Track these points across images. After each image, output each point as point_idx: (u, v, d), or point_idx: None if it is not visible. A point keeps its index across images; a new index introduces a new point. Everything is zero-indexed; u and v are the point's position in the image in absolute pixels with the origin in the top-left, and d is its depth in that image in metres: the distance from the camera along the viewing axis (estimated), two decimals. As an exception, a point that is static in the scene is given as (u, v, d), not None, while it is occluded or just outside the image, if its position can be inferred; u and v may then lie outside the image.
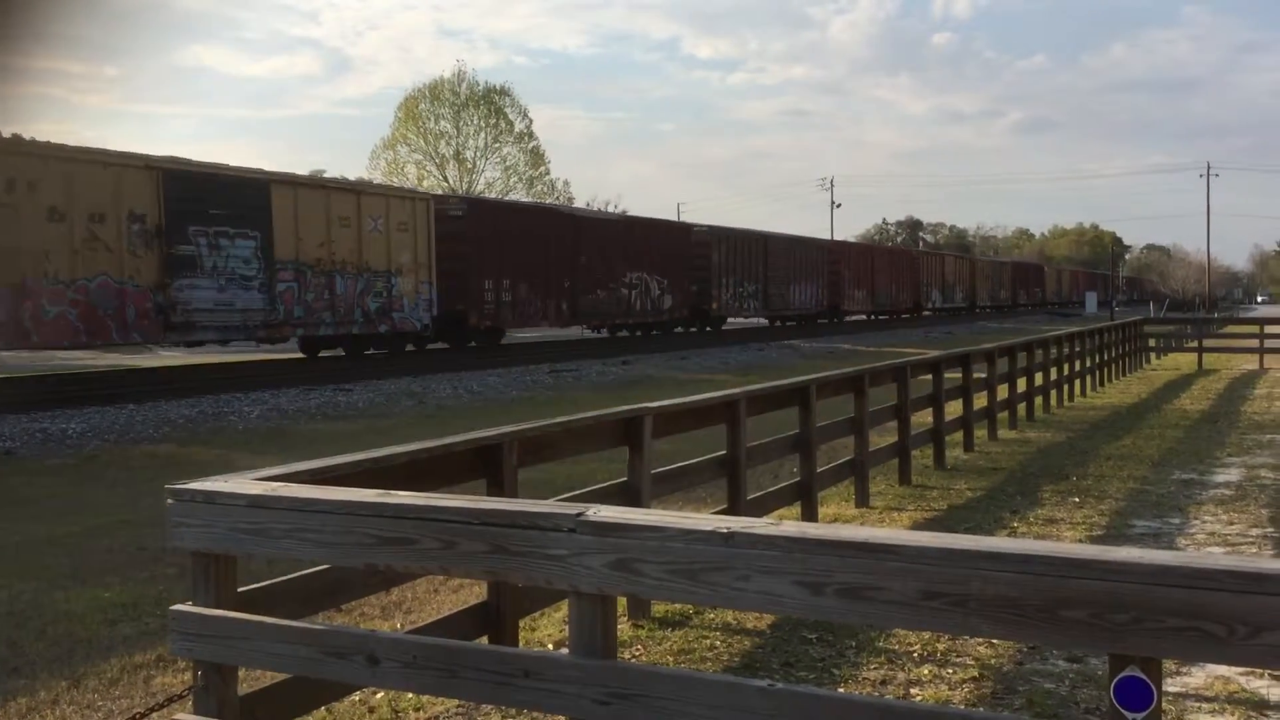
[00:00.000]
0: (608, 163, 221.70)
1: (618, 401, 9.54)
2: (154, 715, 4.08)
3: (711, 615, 6.26)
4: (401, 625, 6.49)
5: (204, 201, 19.87)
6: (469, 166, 61.37)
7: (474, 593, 6.83)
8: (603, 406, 7.42)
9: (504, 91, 61.89)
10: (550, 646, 5.94)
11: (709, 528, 2.97)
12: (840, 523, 8.89)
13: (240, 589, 3.76)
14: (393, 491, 3.51)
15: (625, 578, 3.06)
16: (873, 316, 54.00)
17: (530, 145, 62.34)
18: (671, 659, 5.63)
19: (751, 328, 43.74)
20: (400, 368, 24.69)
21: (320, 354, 25.55)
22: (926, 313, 59.71)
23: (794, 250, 44.30)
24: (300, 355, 25.66)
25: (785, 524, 3.02)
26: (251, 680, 4.33)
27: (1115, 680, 2.66)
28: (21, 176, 16.79)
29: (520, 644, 5.45)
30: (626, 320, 34.28)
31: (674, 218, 51.02)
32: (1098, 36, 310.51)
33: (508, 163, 61.82)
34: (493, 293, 27.68)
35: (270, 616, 3.68)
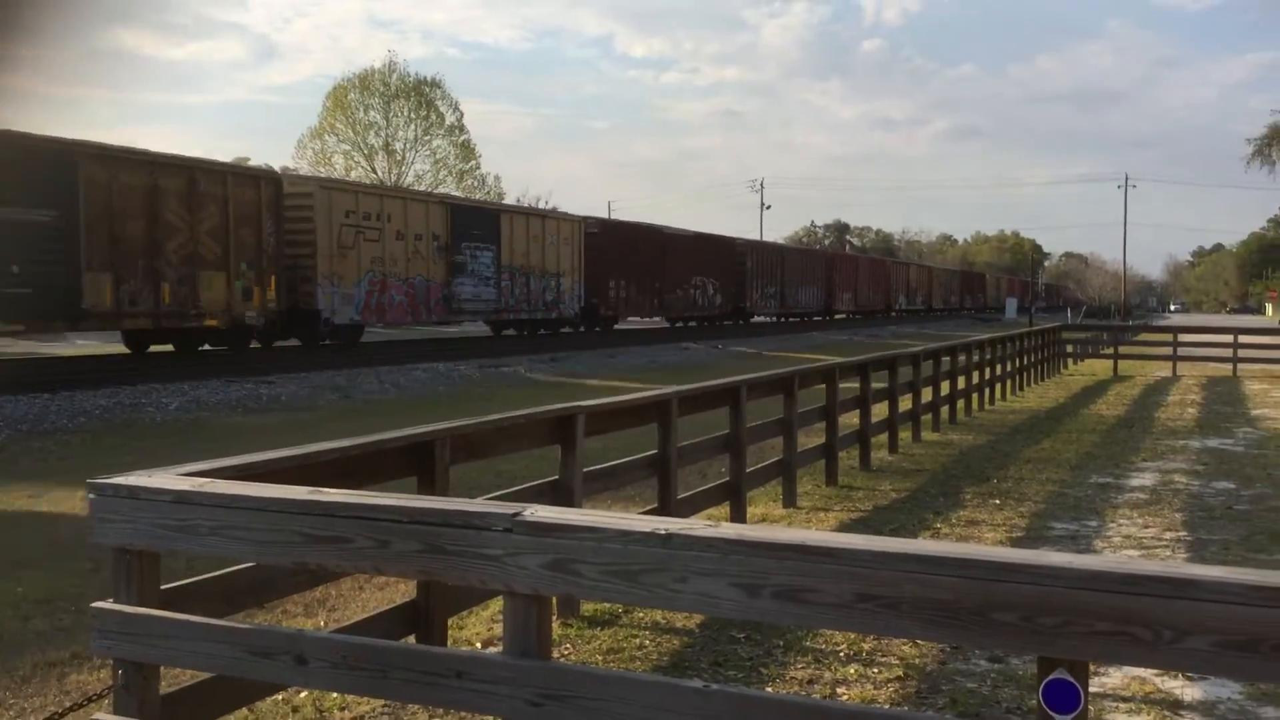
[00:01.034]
0: (539, 158, 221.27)
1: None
2: (71, 715, 3.97)
3: (641, 614, 6.26)
4: (325, 623, 6.40)
5: (469, 225, 29.31)
6: (398, 158, 60.79)
7: (400, 590, 6.75)
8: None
9: (435, 83, 61.42)
10: (478, 645, 5.90)
11: (647, 529, 2.96)
12: (768, 522, 8.96)
13: (164, 586, 3.67)
14: (324, 489, 3.45)
15: (562, 578, 3.04)
16: (853, 315, 62.16)
17: (461, 138, 61.96)
18: (601, 658, 5.62)
19: (770, 322, 53.67)
20: (323, 361, 24.37)
21: (503, 332, 33.94)
22: (894, 313, 68.40)
23: (801, 260, 56.24)
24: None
25: (723, 526, 3.02)
26: (170, 678, 4.23)
27: (1044, 683, 2.70)
28: (384, 211, 26.28)
29: (449, 642, 5.39)
30: (693, 314, 43.76)
31: (604, 215, 51.43)
32: (1025, 47, 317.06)
33: (438, 155, 61.41)
34: (614, 291, 36.86)
35: (194, 615, 3.60)
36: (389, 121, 60.74)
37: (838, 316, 59.37)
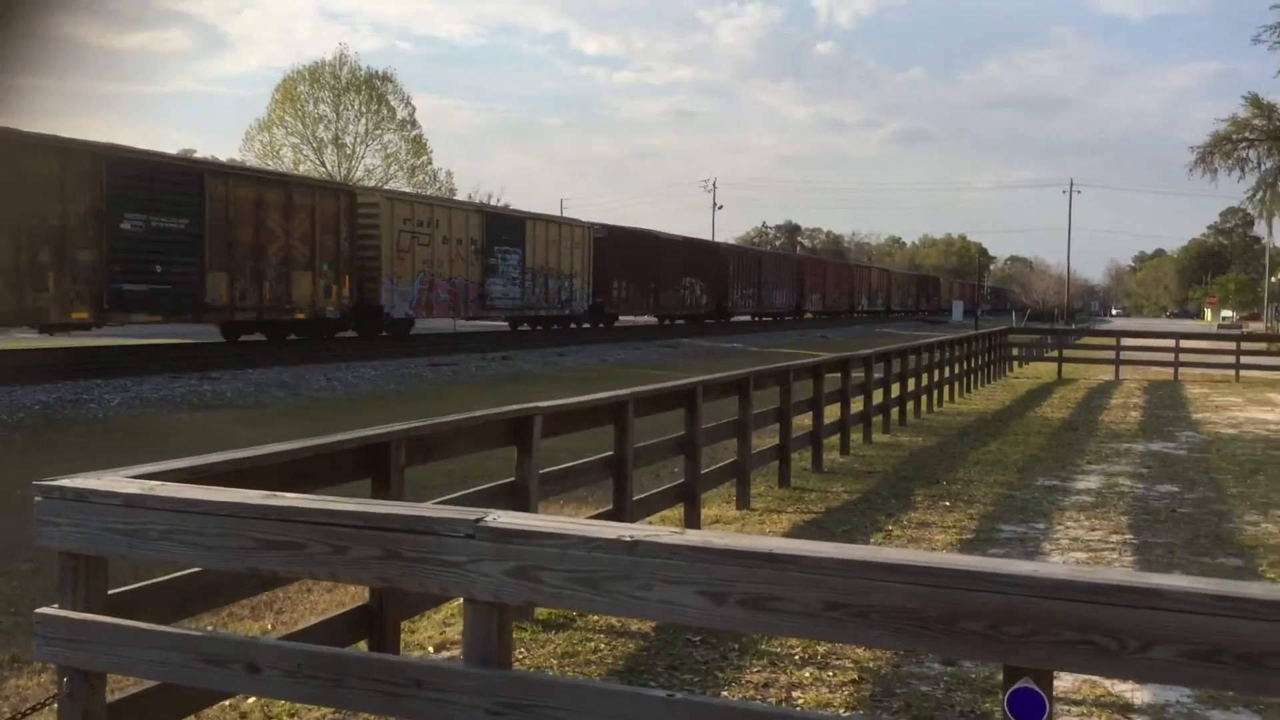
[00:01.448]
0: (491, 155, 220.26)
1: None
2: (12, 724, 3.85)
3: (596, 617, 6.21)
4: (273, 626, 6.29)
5: (500, 231, 33.07)
6: (348, 152, 60.17)
7: (350, 593, 6.65)
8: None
9: (386, 77, 60.86)
10: (431, 649, 5.83)
11: (612, 535, 2.93)
12: (721, 524, 8.96)
13: (111, 591, 3.57)
14: (279, 493, 3.37)
15: (524, 585, 3.00)
16: (820, 315, 66.29)
17: (412, 134, 61.46)
18: (556, 662, 5.57)
19: (748, 320, 57.31)
20: (274, 357, 24.08)
21: (519, 327, 36.82)
22: (856, 314, 72.90)
23: (776, 264, 61.30)
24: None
25: (690, 533, 2.99)
26: (114, 684, 4.12)
27: (1009, 691, 2.70)
28: (434, 218, 29.91)
29: (401, 646, 5.32)
30: (682, 313, 47.63)
31: (557, 213, 51.43)
32: (974, 53, 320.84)
33: (389, 150, 60.87)
34: (616, 291, 40.48)
35: (142, 620, 3.50)
36: (339, 115, 60.12)
37: (806, 316, 63.64)
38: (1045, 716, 2.69)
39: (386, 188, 40.84)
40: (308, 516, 3.20)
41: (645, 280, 42.69)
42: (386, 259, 27.78)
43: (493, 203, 55.07)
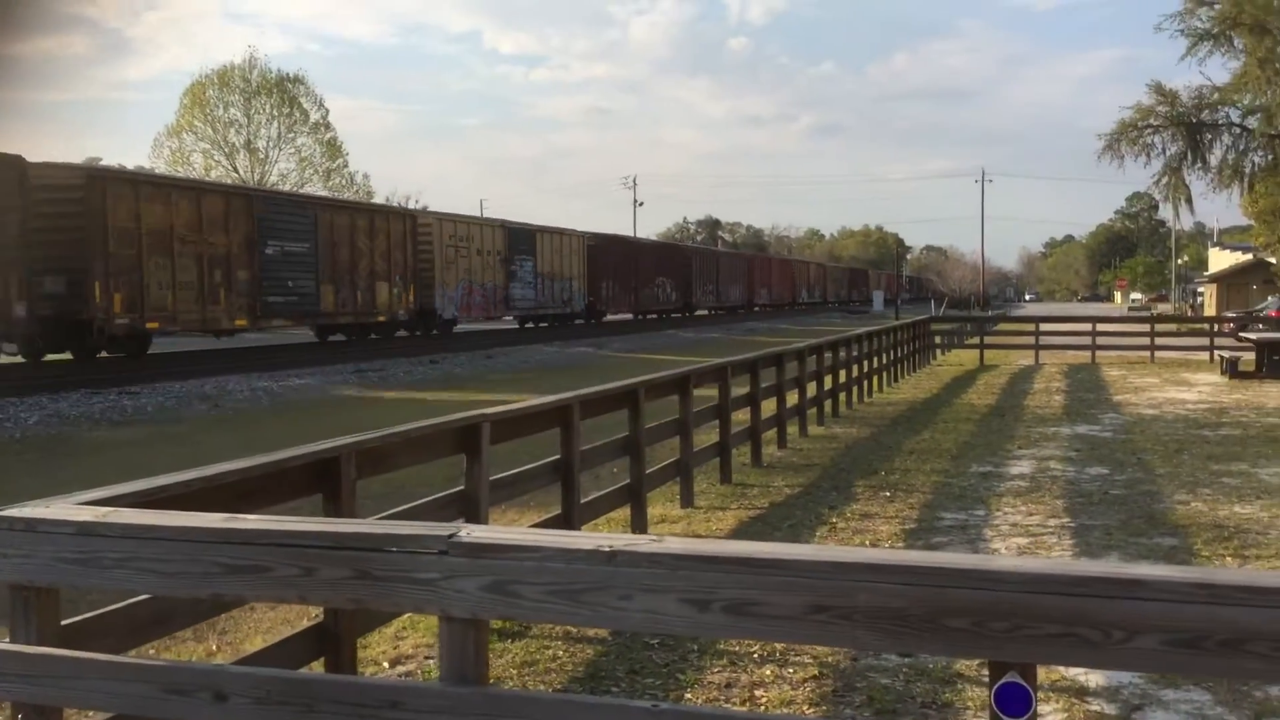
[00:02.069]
0: (408, 156, 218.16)
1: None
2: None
3: (550, 625, 6.16)
4: (218, 647, 6.15)
5: (518, 242, 38.91)
6: (261, 157, 59.12)
7: (296, 611, 6.52)
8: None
9: (298, 80, 59.97)
10: (386, 665, 5.73)
11: (590, 546, 2.88)
12: (667, 523, 8.95)
13: (64, 622, 3.44)
14: (241, 515, 3.27)
15: (501, 600, 2.93)
16: (766, 308, 72.70)
17: (327, 136, 60.63)
18: (515, 673, 5.51)
19: (703, 317, 60.79)
20: (197, 369, 23.55)
21: (526, 325, 42.49)
22: (798, 305, 79.80)
23: (730, 262, 68.74)
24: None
25: (669, 540, 2.96)
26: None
27: (995, 687, 2.71)
28: (470, 234, 35.97)
29: (357, 665, 5.21)
30: (656, 308, 53.44)
31: (477, 214, 51.20)
32: (882, 46, 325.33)
33: (303, 154, 60.00)
34: (605, 291, 46.84)
35: (96, 651, 3.38)
36: (250, 119, 59.07)
37: (755, 309, 70.07)
38: (1032, 710, 2.71)
39: (428, 209, 43.82)
40: (272, 539, 3.10)
41: (627, 280, 49.40)
42: (439, 270, 33.98)
43: (410, 205, 54.64)
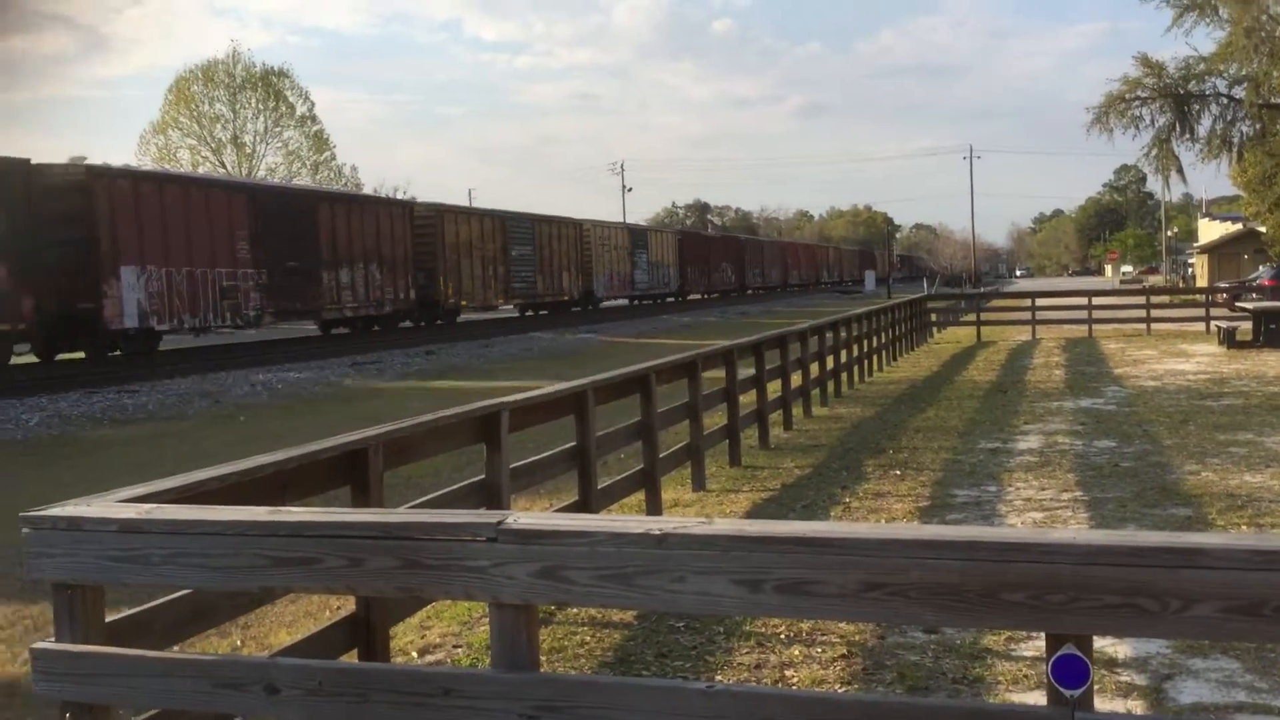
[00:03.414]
0: (394, 147, 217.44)
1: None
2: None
3: (575, 610, 6.17)
4: (242, 641, 6.15)
5: (637, 239, 51.60)
6: (248, 152, 58.92)
7: (316, 601, 6.53)
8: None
9: (283, 73, 59.77)
10: (414, 654, 5.74)
11: (640, 529, 2.88)
12: (681, 507, 8.96)
13: (108, 619, 3.43)
14: (285, 508, 3.27)
15: (552, 586, 2.94)
16: (759, 290, 76.35)
17: (313, 129, 60.44)
18: (544, 659, 5.51)
19: (748, 296, 69.56)
20: (195, 366, 23.51)
21: (525, 313, 47.57)
22: (792, 286, 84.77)
23: (772, 249, 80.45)
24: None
25: (719, 522, 2.96)
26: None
27: (1053, 659, 2.72)
28: (609, 235, 49.64)
29: (390, 654, 5.21)
30: (722, 289, 64.31)
31: (466, 204, 51.30)
32: (868, 24, 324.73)
33: (290, 147, 59.83)
34: (688, 275, 58.60)
35: (141, 648, 3.38)
36: (236, 114, 58.93)
37: (790, 287, 79.66)
38: (1088, 681, 2.72)
39: (593, 219, 51.92)
40: (320, 530, 3.10)
41: (703, 266, 60.47)
42: (595, 262, 46.81)
43: (397, 195, 54.64)
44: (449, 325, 36.71)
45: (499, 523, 2.98)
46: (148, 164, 53.43)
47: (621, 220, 70.55)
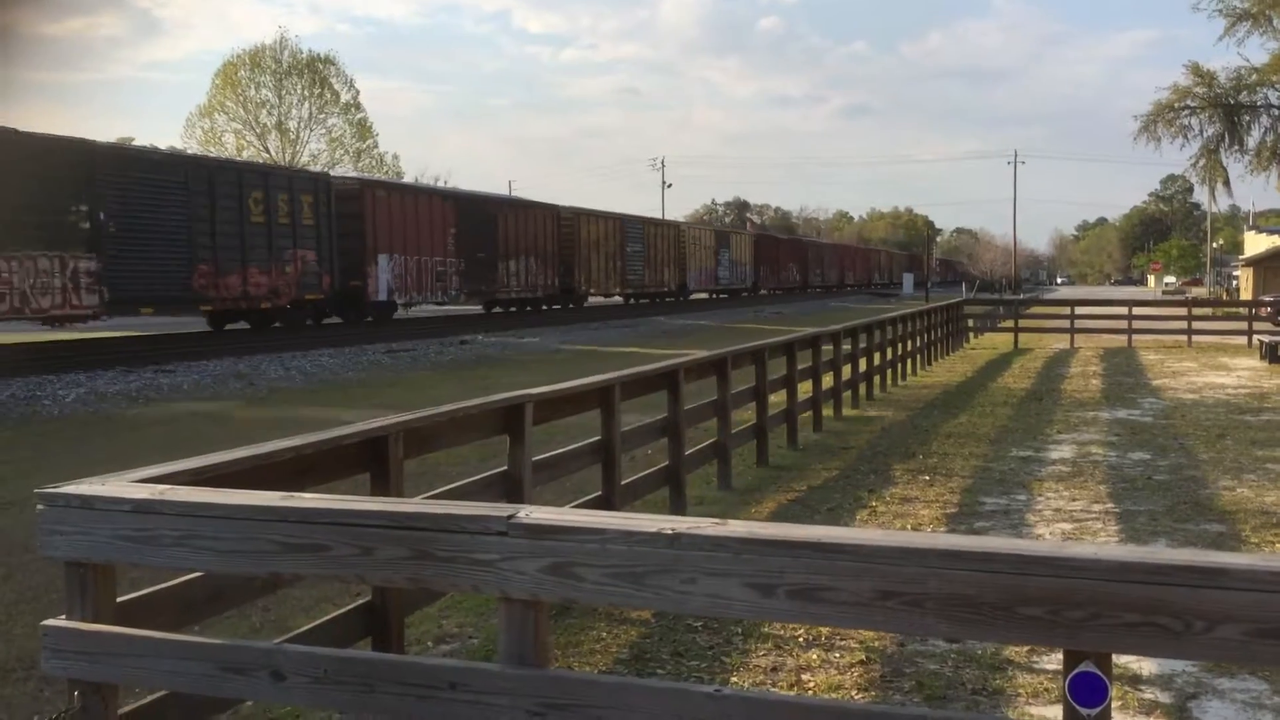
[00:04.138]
0: (438, 137, 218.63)
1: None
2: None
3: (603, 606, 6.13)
4: (261, 624, 6.16)
5: (721, 239, 59.41)
6: (292, 138, 59.32)
7: (337, 589, 6.52)
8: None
9: (328, 60, 60.16)
10: (430, 644, 5.72)
11: (653, 529, 2.83)
12: (705, 506, 8.89)
13: (119, 599, 3.43)
14: (297, 494, 3.25)
15: (562, 582, 2.90)
16: (850, 287, 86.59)
17: (357, 117, 60.78)
18: (559, 654, 5.48)
19: (806, 294, 74.81)
20: (229, 348, 23.74)
21: (715, 295, 59.40)
22: (847, 286, 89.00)
23: (831, 251, 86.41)
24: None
25: (732, 523, 2.91)
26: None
27: (1070, 675, 2.65)
28: (698, 235, 56.99)
29: (404, 644, 5.20)
30: (789, 286, 70.48)
31: (506, 194, 51.54)
32: (915, 25, 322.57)
33: (333, 134, 60.20)
34: (762, 273, 64.51)
35: (150, 628, 3.37)
36: (282, 100, 59.31)
37: (846, 287, 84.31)
38: (1107, 699, 2.65)
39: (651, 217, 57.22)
40: (330, 517, 3.07)
41: (774, 266, 66.53)
42: (688, 259, 52.48)
43: (438, 184, 54.88)
44: (578, 309, 43.67)
45: (510, 516, 2.94)
46: (193, 147, 54.00)
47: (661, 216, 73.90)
